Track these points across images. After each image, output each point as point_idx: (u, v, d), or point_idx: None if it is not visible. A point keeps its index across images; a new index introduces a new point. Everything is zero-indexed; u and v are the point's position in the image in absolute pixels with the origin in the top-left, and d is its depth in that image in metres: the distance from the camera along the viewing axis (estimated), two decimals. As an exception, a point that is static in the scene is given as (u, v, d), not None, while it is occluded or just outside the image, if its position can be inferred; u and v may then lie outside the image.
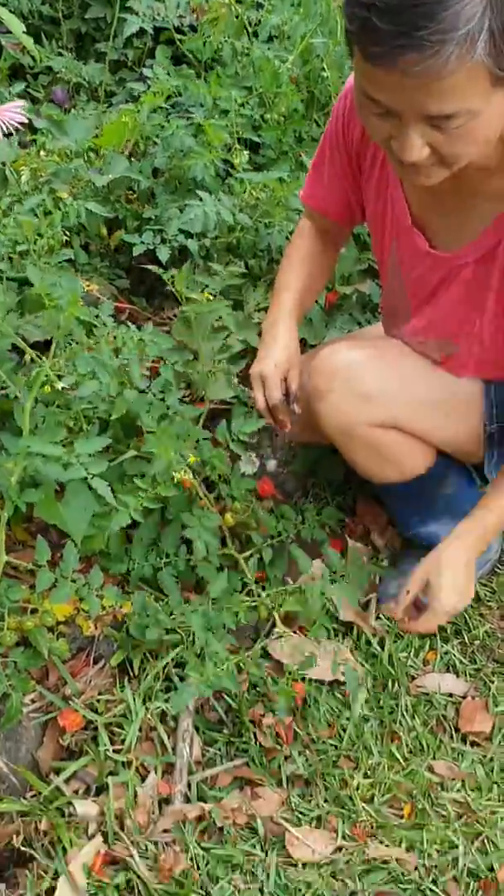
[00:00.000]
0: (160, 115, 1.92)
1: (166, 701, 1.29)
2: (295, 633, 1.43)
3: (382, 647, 1.43)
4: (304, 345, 1.78)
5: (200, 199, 1.71)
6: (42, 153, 1.81)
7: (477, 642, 1.47)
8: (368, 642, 1.44)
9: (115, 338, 1.37)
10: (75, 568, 1.25)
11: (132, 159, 1.99)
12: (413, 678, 1.41)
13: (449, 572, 1.18)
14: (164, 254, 1.76)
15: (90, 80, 2.42)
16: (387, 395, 1.26)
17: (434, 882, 1.18)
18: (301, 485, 1.65)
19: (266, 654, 1.40)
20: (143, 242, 1.77)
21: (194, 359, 1.60)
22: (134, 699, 1.28)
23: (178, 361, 1.53)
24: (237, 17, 2.03)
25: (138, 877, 1.13)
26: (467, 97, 0.85)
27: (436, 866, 1.19)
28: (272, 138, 1.94)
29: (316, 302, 1.75)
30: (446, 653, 1.45)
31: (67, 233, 1.67)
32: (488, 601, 1.54)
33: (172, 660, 1.33)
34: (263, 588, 1.40)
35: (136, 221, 1.93)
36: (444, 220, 1.17)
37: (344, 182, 1.31)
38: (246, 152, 1.81)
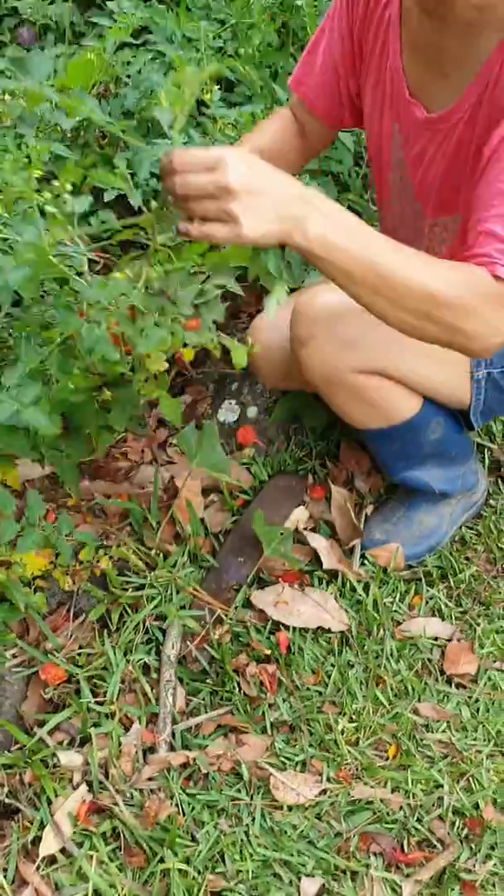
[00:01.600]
0: (129, 52, 1.85)
1: (147, 653, 1.29)
2: (277, 581, 1.42)
3: (367, 593, 1.42)
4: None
5: (170, 141, 1.65)
6: (7, 97, 1.75)
7: (462, 586, 1.46)
8: (353, 589, 1.43)
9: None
10: (40, 514, 1.22)
11: (102, 101, 1.93)
12: (398, 623, 1.41)
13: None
14: (136, 199, 1.71)
15: (58, 20, 2.33)
16: (370, 341, 1.22)
17: (419, 821, 1.18)
18: (283, 431, 1.62)
19: (249, 604, 1.39)
20: (113, 188, 1.72)
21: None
22: (115, 652, 1.27)
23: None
24: None
25: (124, 824, 1.14)
26: None
27: (421, 805, 1.20)
28: (246, 73, 1.87)
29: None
30: (431, 597, 1.44)
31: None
32: (474, 544, 1.53)
33: (151, 613, 1.32)
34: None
35: (108, 167, 1.87)
36: (439, 85, 1.14)
37: (339, 69, 1.27)
38: (217, 89, 1.75)
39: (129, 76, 1.87)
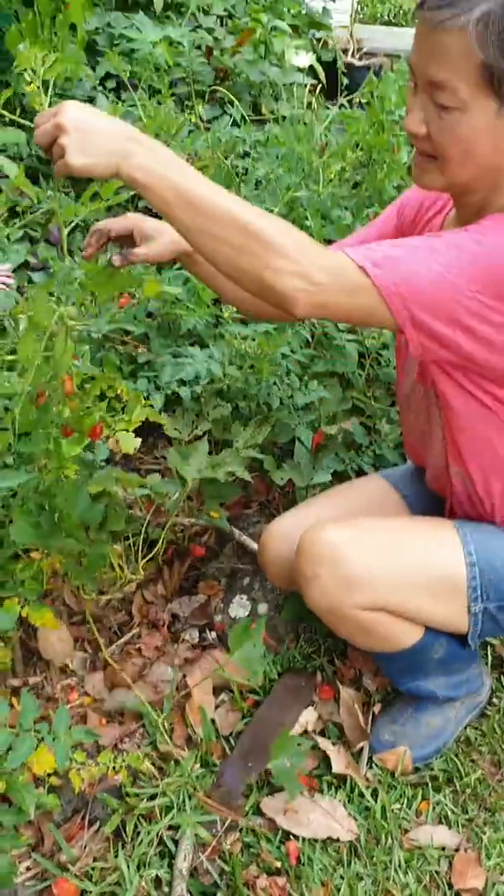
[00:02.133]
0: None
1: (160, 867, 1.30)
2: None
3: (376, 799, 1.45)
4: (293, 487, 1.84)
5: (191, 356, 1.80)
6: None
7: (468, 790, 1.48)
8: (362, 794, 1.45)
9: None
10: (35, 716, 1.26)
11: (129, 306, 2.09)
12: (406, 831, 1.42)
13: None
14: (158, 401, 1.84)
15: (86, 220, 2.55)
16: (373, 580, 1.29)
17: None
18: (293, 629, 1.68)
19: (259, 811, 1.42)
20: (136, 389, 1.85)
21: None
22: (128, 866, 1.29)
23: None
24: (222, 166, 2.16)
25: None
26: (454, 72, 1.06)
27: None
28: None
29: (301, 443, 1.83)
30: (438, 802, 1.46)
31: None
32: (479, 745, 1.56)
33: (167, 826, 1.35)
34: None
35: (131, 365, 2.02)
36: None
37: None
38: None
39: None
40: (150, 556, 1.58)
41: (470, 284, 1.10)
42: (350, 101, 2.78)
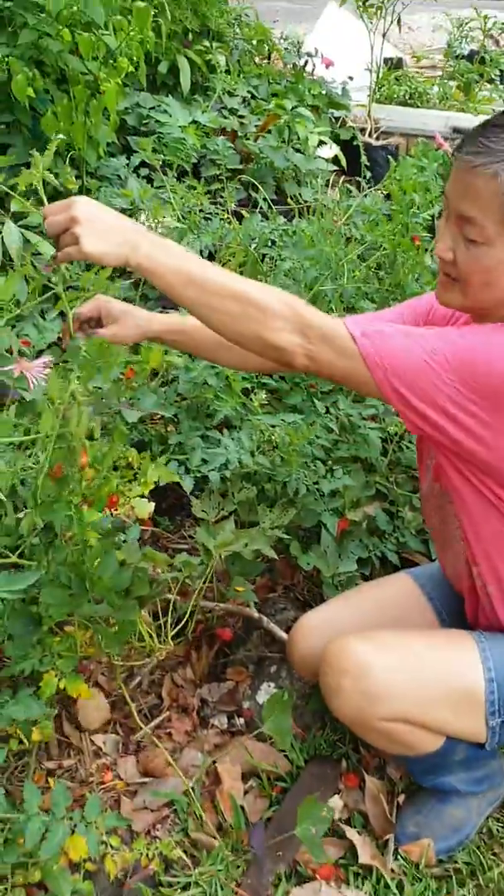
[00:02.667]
0: (184, 352, 2.11)
1: None
2: (314, 875, 1.48)
3: (402, 892, 1.48)
4: (318, 572, 1.90)
5: (220, 444, 1.87)
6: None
7: (492, 885, 1.51)
8: (387, 886, 1.49)
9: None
10: (67, 805, 1.29)
11: (160, 387, 2.17)
12: (431, 925, 1.45)
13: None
14: (188, 484, 1.91)
15: (118, 297, 2.64)
16: (394, 694, 1.34)
17: None
18: (319, 717, 1.72)
19: (288, 901, 1.45)
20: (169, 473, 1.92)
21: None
22: None
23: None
24: (249, 255, 2.25)
25: None
26: (484, 211, 1.17)
27: None
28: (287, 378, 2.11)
29: (327, 531, 1.89)
30: (462, 896, 1.50)
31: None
32: (501, 838, 1.59)
33: (199, 914, 1.38)
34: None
35: (162, 445, 2.09)
36: None
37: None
38: (263, 394, 1.98)
39: (186, 367, 2.12)
40: (179, 627, 1.63)
41: (448, 374, 1.19)
42: (368, 180, 2.88)
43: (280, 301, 1.20)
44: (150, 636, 1.58)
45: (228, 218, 2.58)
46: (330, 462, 2.00)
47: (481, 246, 1.20)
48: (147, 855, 1.38)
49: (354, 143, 3.17)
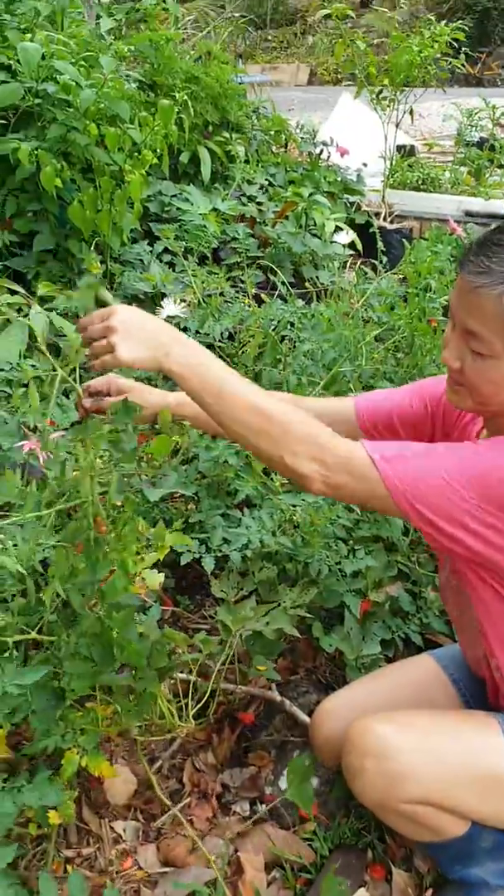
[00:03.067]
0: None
1: None
2: None
3: None
4: (340, 656, 1.88)
5: (241, 523, 1.88)
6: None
7: None
8: None
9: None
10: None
11: (181, 465, 2.20)
12: None
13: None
14: (209, 563, 1.92)
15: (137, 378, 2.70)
16: (417, 776, 1.32)
17: None
18: (343, 804, 1.69)
19: None
20: (189, 551, 1.93)
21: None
22: None
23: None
24: (269, 338, 2.30)
25: None
26: (490, 329, 1.19)
27: None
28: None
29: (350, 612, 1.88)
30: None
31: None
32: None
33: None
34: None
35: (183, 524, 2.10)
36: None
37: (403, 408, 1.51)
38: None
39: (206, 446, 2.15)
40: (200, 706, 1.61)
41: (467, 491, 1.21)
42: (384, 264, 2.96)
43: (302, 425, 1.23)
44: (171, 714, 1.57)
45: (248, 302, 2.65)
46: (351, 542, 2.01)
47: (488, 359, 1.22)
48: None
49: (370, 227, 3.28)
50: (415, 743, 1.35)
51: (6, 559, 1.28)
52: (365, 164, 4.69)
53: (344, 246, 3.00)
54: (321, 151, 4.54)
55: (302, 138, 4.52)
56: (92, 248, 2.95)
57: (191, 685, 1.67)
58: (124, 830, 1.61)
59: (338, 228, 3.09)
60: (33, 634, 1.32)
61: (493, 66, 16.10)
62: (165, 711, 1.58)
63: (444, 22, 4.54)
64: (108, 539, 1.32)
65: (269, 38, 16.55)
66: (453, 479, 1.21)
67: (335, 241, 2.99)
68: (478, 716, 1.44)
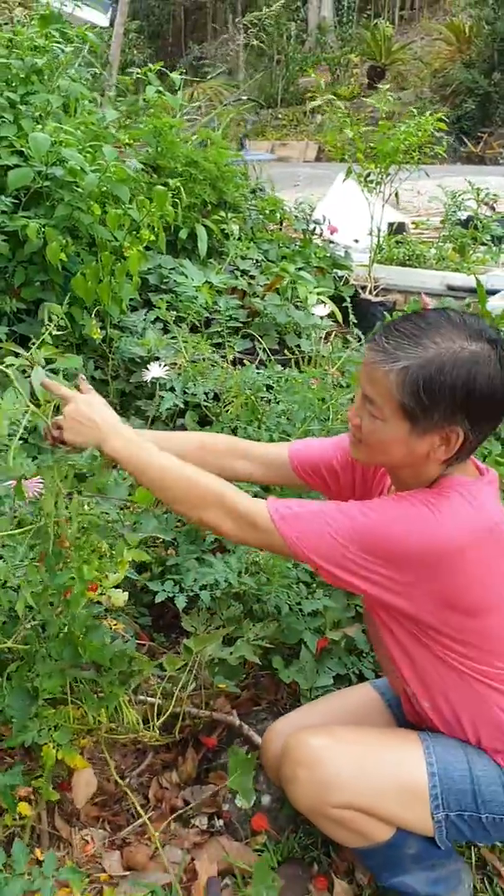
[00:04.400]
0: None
1: None
2: None
3: None
4: (298, 688, 2.06)
5: (211, 564, 2.09)
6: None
7: None
8: None
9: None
10: (26, 862, 1.44)
11: (163, 514, 2.41)
12: None
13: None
14: (181, 602, 2.12)
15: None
16: (344, 784, 1.49)
17: None
18: (293, 820, 1.85)
19: None
20: (164, 591, 2.14)
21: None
22: None
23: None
24: (248, 401, 2.54)
25: None
26: (381, 397, 1.40)
27: None
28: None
29: (307, 648, 2.07)
30: None
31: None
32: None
33: None
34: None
35: (160, 567, 2.31)
36: None
37: (328, 460, 1.72)
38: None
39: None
40: (164, 718, 1.79)
41: (351, 545, 1.43)
42: (357, 336, 3.21)
43: (214, 488, 1.50)
44: (137, 722, 1.76)
45: (227, 367, 2.90)
46: (314, 585, 2.21)
47: (378, 421, 1.43)
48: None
49: (354, 300, 3.54)
50: (343, 753, 1.52)
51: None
52: (356, 241, 5.02)
53: (322, 318, 3.26)
54: (314, 229, 4.85)
55: (296, 217, 4.84)
56: (93, 315, 3.22)
57: (155, 707, 1.85)
58: (92, 838, 1.78)
59: (320, 301, 3.36)
60: (9, 644, 1.52)
61: (494, 145, 16.79)
62: (131, 720, 1.77)
63: (446, 105, 4.90)
64: (70, 552, 1.54)
65: (280, 115, 17.32)
66: (338, 535, 1.43)
67: (314, 314, 3.25)
68: (402, 732, 1.61)
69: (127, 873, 1.72)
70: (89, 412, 1.50)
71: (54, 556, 1.52)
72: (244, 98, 9.51)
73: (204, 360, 2.82)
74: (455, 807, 1.53)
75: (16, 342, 3.12)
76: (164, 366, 2.56)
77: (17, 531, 1.54)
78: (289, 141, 16.69)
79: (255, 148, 12.59)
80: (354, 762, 1.52)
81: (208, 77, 15.91)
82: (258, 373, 2.70)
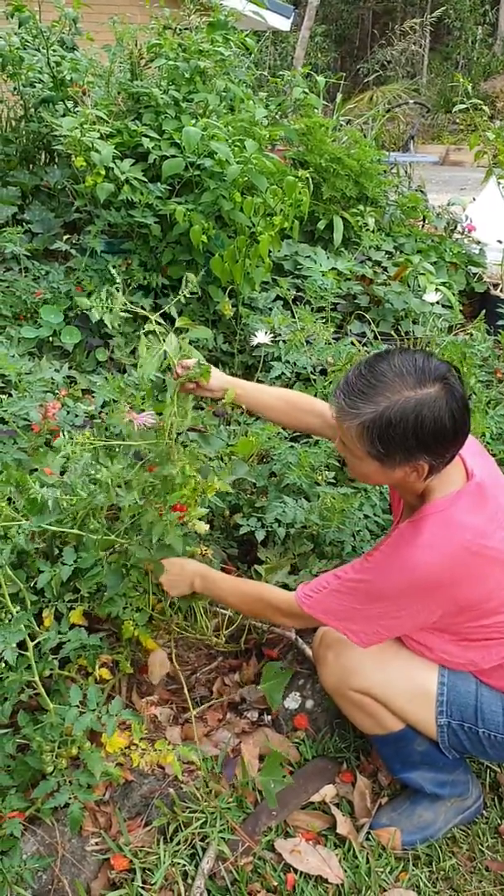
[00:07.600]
0: (278, 437, 2.67)
1: (189, 862, 1.76)
2: (299, 836, 1.87)
3: (366, 860, 1.83)
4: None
5: (284, 503, 2.40)
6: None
7: (442, 873, 1.83)
8: (355, 855, 1.84)
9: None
10: (100, 702, 1.79)
11: (256, 464, 2.73)
12: (384, 889, 1.79)
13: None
14: (260, 534, 2.43)
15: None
16: (364, 672, 1.77)
17: None
18: (331, 724, 2.13)
19: (272, 848, 1.84)
20: (248, 525, 2.46)
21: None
22: (165, 857, 1.76)
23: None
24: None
25: None
26: (351, 443, 1.62)
27: None
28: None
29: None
30: (415, 875, 1.82)
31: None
32: (461, 843, 1.90)
33: (199, 833, 1.81)
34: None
35: (250, 508, 2.63)
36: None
37: None
38: (331, 473, 2.49)
39: (274, 448, 2.67)
40: (233, 628, 2.12)
41: (362, 603, 1.68)
42: (488, 329, 3.38)
43: (263, 601, 1.88)
44: (206, 627, 2.10)
45: (329, 339, 3.18)
46: (379, 531, 2.46)
47: (355, 459, 1.67)
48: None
49: (484, 296, 3.69)
50: (369, 648, 1.79)
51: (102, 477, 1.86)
52: (500, 241, 5.12)
53: (432, 304, 3.46)
54: (454, 227, 5.02)
55: (437, 214, 5.02)
56: (226, 294, 3.58)
57: (226, 618, 2.19)
58: (160, 714, 2.13)
59: (437, 290, 3.57)
60: (112, 538, 1.89)
61: None
62: (203, 625, 2.11)
63: None
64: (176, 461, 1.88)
65: (458, 120, 17.21)
66: (357, 602, 1.69)
67: (425, 300, 3.46)
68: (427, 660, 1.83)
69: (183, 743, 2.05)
70: (181, 570, 1.96)
71: (163, 455, 1.87)
72: (410, 102, 9.66)
73: (315, 337, 3.11)
74: (457, 716, 1.77)
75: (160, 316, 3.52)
76: (271, 336, 2.87)
77: (133, 443, 1.89)
78: (464, 146, 16.55)
79: (424, 151, 12.66)
80: (377, 656, 1.78)
81: (390, 81, 16.08)
82: (357, 349, 2.96)
